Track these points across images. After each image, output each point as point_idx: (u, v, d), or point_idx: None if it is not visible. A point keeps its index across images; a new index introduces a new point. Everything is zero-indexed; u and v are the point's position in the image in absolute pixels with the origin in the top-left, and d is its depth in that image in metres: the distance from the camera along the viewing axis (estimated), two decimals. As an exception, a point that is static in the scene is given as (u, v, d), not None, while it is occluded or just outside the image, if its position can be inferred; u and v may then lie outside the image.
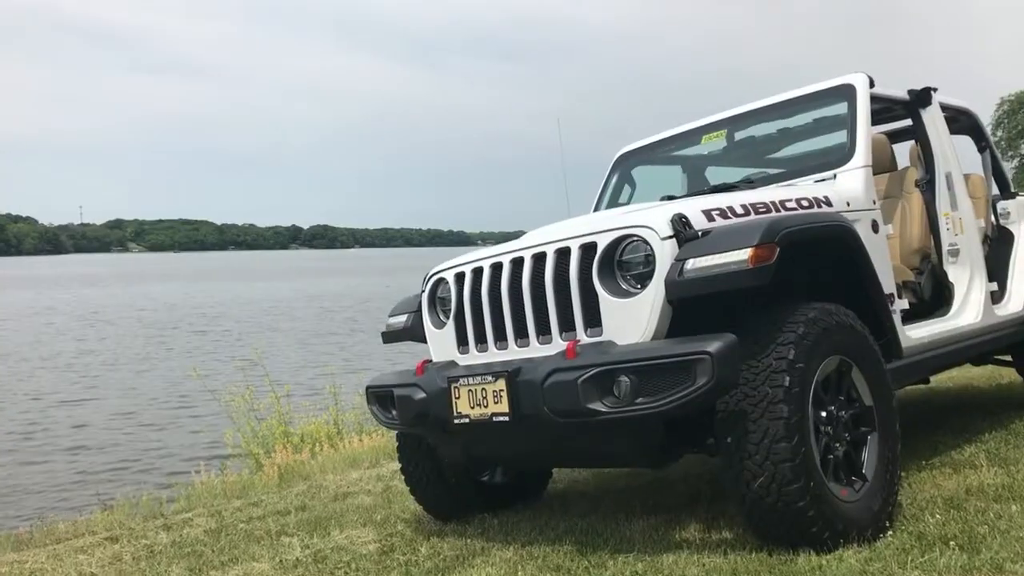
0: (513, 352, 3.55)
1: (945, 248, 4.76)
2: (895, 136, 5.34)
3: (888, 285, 3.93)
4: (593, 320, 3.31)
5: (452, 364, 3.77)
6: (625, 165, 5.42)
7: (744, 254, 3.01)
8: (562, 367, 3.14)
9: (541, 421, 3.22)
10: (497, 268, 3.65)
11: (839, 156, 4.20)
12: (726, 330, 3.00)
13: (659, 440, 3.21)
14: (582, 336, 3.31)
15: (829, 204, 3.81)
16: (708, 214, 3.33)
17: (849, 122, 4.26)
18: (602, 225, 3.41)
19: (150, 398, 13.46)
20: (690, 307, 3.22)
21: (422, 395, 3.63)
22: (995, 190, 5.63)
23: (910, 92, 4.83)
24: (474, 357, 3.71)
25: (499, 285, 3.60)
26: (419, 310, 4.14)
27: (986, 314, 4.70)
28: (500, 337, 3.61)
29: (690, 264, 3.11)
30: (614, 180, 5.39)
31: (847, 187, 4.01)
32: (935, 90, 4.89)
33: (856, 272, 3.59)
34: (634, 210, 3.69)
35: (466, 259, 3.89)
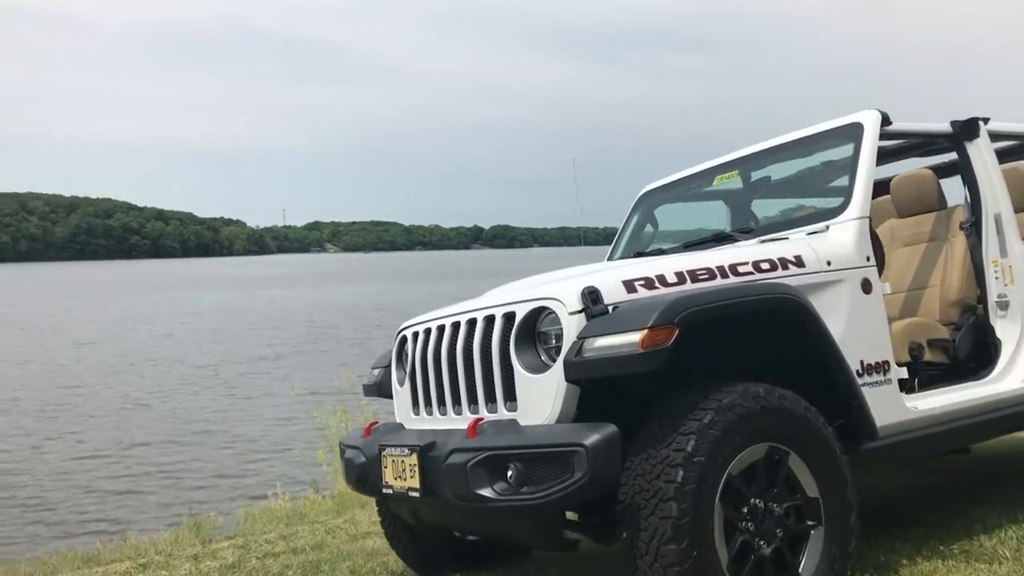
0: (449, 421, 3.48)
1: (992, 299, 4.20)
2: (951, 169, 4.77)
3: (878, 353, 3.53)
4: (511, 394, 3.18)
5: (397, 428, 3.73)
6: (647, 204, 5.17)
7: (635, 336, 2.79)
8: (460, 447, 3.04)
9: (445, 500, 3.13)
10: (440, 331, 3.58)
11: (835, 206, 3.81)
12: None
13: (558, 526, 3.05)
14: (485, 412, 3.19)
15: (801, 264, 3.46)
16: (630, 285, 3.11)
17: (851, 167, 3.85)
18: (524, 294, 3.27)
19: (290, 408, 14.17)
20: (615, 386, 3.02)
21: (362, 459, 3.63)
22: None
23: (953, 124, 4.31)
24: (421, 421, 3.66)
25: (439, 350, 3.54)
26: (389, 365, 4.13)
27: (1038, 377, 4.10)
28: (441, 403, 3.55)
29: (588, 344, 2.92)
30: (635, 220, 5.15)
31: (835, 242, 3.63)
32: (985, 120, 4.33)
33: (810, 346, 3.24)
34: (560, 278, 3.51)
35: (429, 316, 3.85)
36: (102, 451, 11.27)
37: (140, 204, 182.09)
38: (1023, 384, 4.06)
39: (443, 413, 3.51)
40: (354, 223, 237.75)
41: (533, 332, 3.15)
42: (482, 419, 3.14)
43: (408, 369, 3.78)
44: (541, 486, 2.80)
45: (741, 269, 3.33)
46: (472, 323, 3.37)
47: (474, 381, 3.29)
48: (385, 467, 3.44)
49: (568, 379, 2.95)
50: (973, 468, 5.48)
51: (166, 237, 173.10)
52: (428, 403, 3.61)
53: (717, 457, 2.80)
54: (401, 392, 3.87)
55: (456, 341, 3.41)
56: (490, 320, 3.29)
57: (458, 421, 3.36)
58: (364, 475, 3.60)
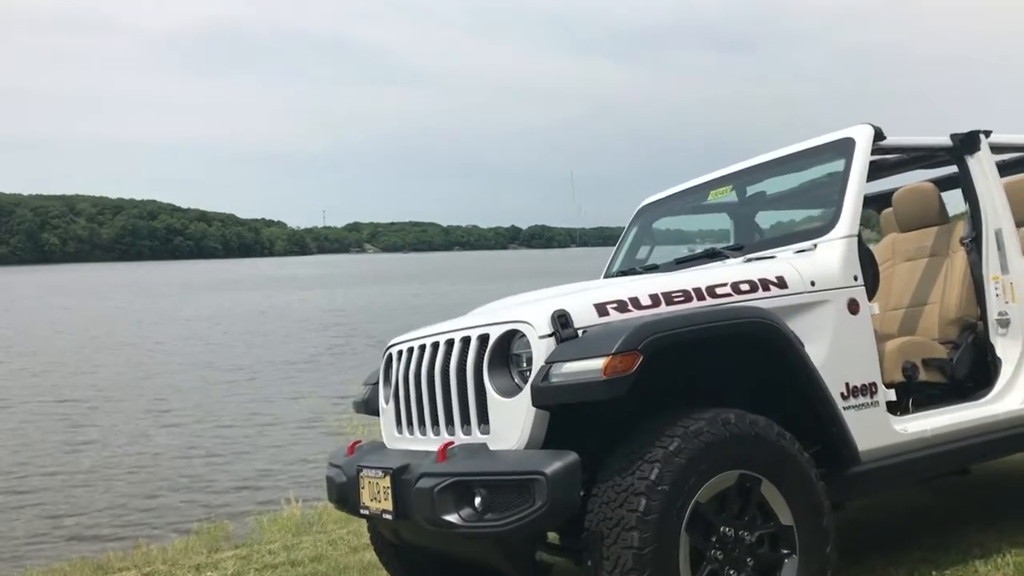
0: (428, 442, 3.47)
1: (993, 317, 4.09)
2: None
3: (865, 375, 3.47)
4: (484, 417, 3.17)
5: (379, 447, 3.74)
6: (646, 217, 5.12)
7: (599, 363, 2.77)
8: (429, 472, 3.04)
9: (417, 524, 3.13)
10: (422, 350, 3.58)
11: (824, 223, 3.75)
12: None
13: (527, 552, 3.04)
14: (461, 435, 3.19)
15: (783, 285, 3.41)
16: (602, 308, 3.09)
17: (841, 183, 3.78)
18: (500, 316, 3.26)
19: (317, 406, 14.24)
20: (592, 411, 3.00)
21: (343, 479, 3.64)
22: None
23: (953, 137, 4.21)
24: (403, 441, 3.67)
25: (420, 369, 3.54)
26: (379, 383, 4.14)
27: (1039, 397, 3.99)
28: (422, 423, 3.55)
29: (555, 369, 2.90)
30: (633, 233, 5.11)
31: (821, 261, 3.57)
32: (987, 134, 4.22)
33: (786, 370, 3.18)
34: (536, 300, 3.49)
35: (415, 334, 3.85)
36: (133, 452, 11.44)
37: (184, 205, 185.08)
38: (1023, 404, 3.96)
39: (423, 434, 3.51)
40: (393, 224, 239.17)
41: (507, 355, 3.14)
42: (452, 443, 3.13)
43: (392, 388, 3.79)
44: (504, 513, 2.79)
45: (719, 291, 3.29)
46: (450, 344, 3.37)
47: (450, 403, 3.29)
48: (363, 488, 3.45)
49: (534, 404, 2.93)
50: (977, 488, 5.35)
51: (209, 238, 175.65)
52: (410, 423, 3.62)
53: (682, 485, 2.77)
54: (386, 411, 3.88)
55: (435, 361, 3.41)
56: (466, 342, 3.28)
57: (435, 443, 3.36)
58: (344, 495, 3.62)
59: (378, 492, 3.30)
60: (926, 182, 4.58)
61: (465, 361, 3.24)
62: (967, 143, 4.20)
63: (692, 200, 4.82)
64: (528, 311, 3.13)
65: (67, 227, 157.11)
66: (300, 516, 6.72)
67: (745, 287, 3.33)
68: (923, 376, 3.95)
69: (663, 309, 3.15)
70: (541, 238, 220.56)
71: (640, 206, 5.17)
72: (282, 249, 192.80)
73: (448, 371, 3.31)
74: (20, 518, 8.44)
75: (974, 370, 4.09)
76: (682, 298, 3.21)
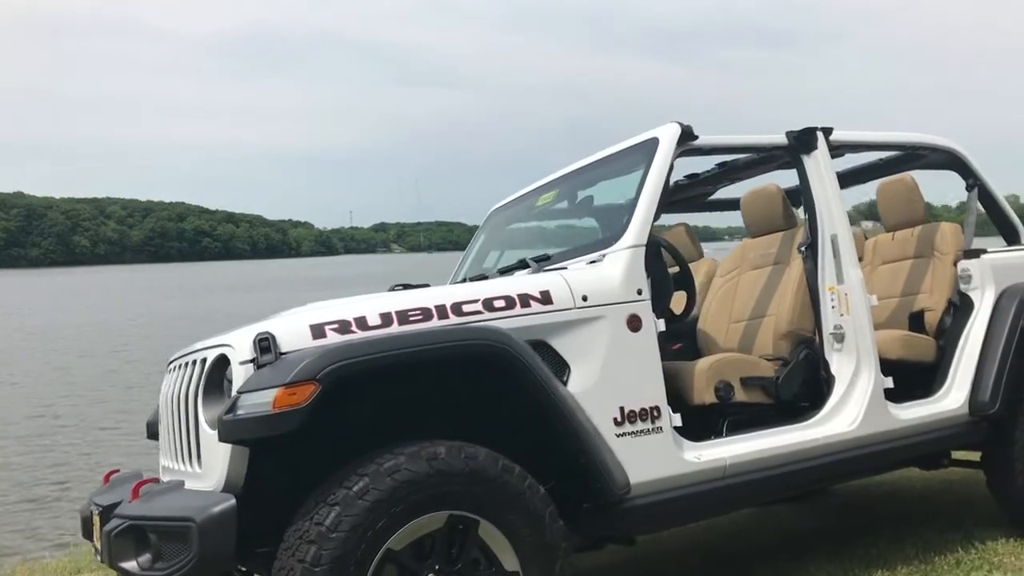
0: (176, 473, 3.19)
1: (828, 331, 3.75)
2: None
3: (645, 398, 3.16)
4: (199, 450, 2.89)
5: (133, 477, 3.48)
6: (494, 223, 4.82)
7: (270, 395, 2.49)
8: (120, 513, 2.77)
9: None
10: (172, 371, 3.32)
11: (614, 232, 3.42)
12: None
13: None
14: (187, 468, 2.91)
15: (548, 301, 3.10)
16: (318, 330, 2.78)
17: (636, 190, 3.46)
18: (220, 338, 2.98)
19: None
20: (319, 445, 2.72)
21: (86, 514, 3.37)
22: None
23: (788, 134, 3.87)
24: (167, 472, 3.39)
25: (166, 392, 3.28)
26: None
27: (871, 419, 3.64)
28: (168, 452, 3.27)
29: (242, 400, 2.61)
30: (481, 240, 4.80)
31: (599, 275, 3.25)
32: (825, 131, 3.88)
33: (524, 396, 2.87)
34: (284, 315, 3.17)
35: (184, 351, 3.56)
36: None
37: (211, 207, 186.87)
38: (851, 427, 3.61)
39: (172, 463, 3.25)
40: (419, 223, 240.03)
41: (221, 381, 2.87)
42: (154, 480, 2.87)
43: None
44: (170, 562, 2.52)
45: (467, 308, 2.98)
46: (185, 367, 3.11)
47: (178, 433, 3.03)
48: (94, 524, 3.19)
49: (220, 439, 2.65)
50: (866, 506, 5.01)
51: (237, 239, 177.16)
52: (168, 451, 3.36)
53: (366, 531, 2.47)
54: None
55: (175, 385, 3.15)
56: (192, 365, 3.02)
57: (182, 475, 3.10)
58: (88, 529, 3.36)
59: (97, 530, 3.05)
60: (771, 184, 4.24)
61: (189, 387, 2.98)
62: (803, 141, 3.86)
63: (527, 206, 4.51)
64: (237, 334, 2.85)
65: (97, 230, 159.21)
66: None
67: (500, 303, 3.02)
68: (742, 396, 3.62)
69: (395, 329, 2.84)
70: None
71: (490, 211, 4.88)
72: (309, 250, 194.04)
73: (177, 397, 3.05)
74: None
75: (805, 389, 3.75)
76: (420, 316, 2.90)
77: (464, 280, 4.52)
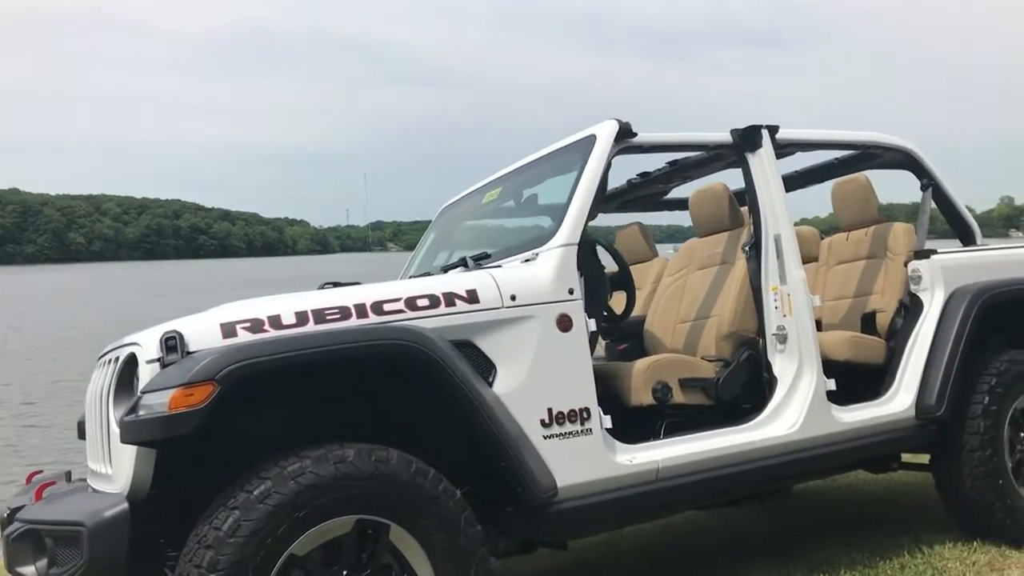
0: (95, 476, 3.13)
1: (771, 332, 3.69)
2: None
3: (575, 399, 3.09)
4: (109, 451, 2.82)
5: (58, 478, 3.41)
6: (445, 220, 4.75)
7: (166, 396, 2.42)
8: (20, 517, 2.70)
9: None
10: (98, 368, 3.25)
11: (547, 230, 3.36)
12: None
13: None
14: (102, 470, 2.84)
15: (474, 300, 3.04)
16: (229, 329, 2.71)
17: (571, 187, 3.40)
18: (133, 336, 2.91)
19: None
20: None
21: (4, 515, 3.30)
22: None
23: (733, 132, 3.81)
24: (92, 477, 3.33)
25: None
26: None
27: (813, 421, 3.58)
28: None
29: (143, 401, 2.54)
30: (431, 237, 4.73)
31: (529, 274, 3.19)
32: (770, 128, 3.82)
33: (442, 397, 2.81)
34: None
35: (114, 344, 3.49)
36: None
37: (207, 205, 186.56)
38: (791, 430, 3.55)
39: (93, 464, 3.18)
40: (415, 222, 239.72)
41: (132, 381, 2.80)
42: (53, 483, 2.81)
43: None
44: (64, 568, 2.46)
45: (388, 307, 2.91)
46: (106, 364, 3.04)
47: (96, 433, 2.96)
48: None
49: (121, 440, 2.58)
50: (820, 509, 4.96)
51: (232, 237, 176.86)
52: (89, 450, 3.29)
53: (266, 536, 2.40)
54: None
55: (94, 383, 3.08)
56: (110, 364, 2.95)
57: (97, 477, 3.03)
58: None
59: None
60: (718, 183, 4.18)
61: (103, 386, 2.91)
62: (747, 139, 3.80)
63: (475, 204, 4.44)
64: (149, 331, 2.78)
65: (93, 226, 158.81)
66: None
67: (423, 302, 2.96)
68: (680, 398, 3.57)
69: (310, 328, 2.78)
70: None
71: (441, 208, 4.81)
72: (305, 248, 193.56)
73: (95, 396, 2.98)
74: None
75: (747, 390, 3.69)
76: (337, 315, 2.83)
77: (410, 279, 4.46)
